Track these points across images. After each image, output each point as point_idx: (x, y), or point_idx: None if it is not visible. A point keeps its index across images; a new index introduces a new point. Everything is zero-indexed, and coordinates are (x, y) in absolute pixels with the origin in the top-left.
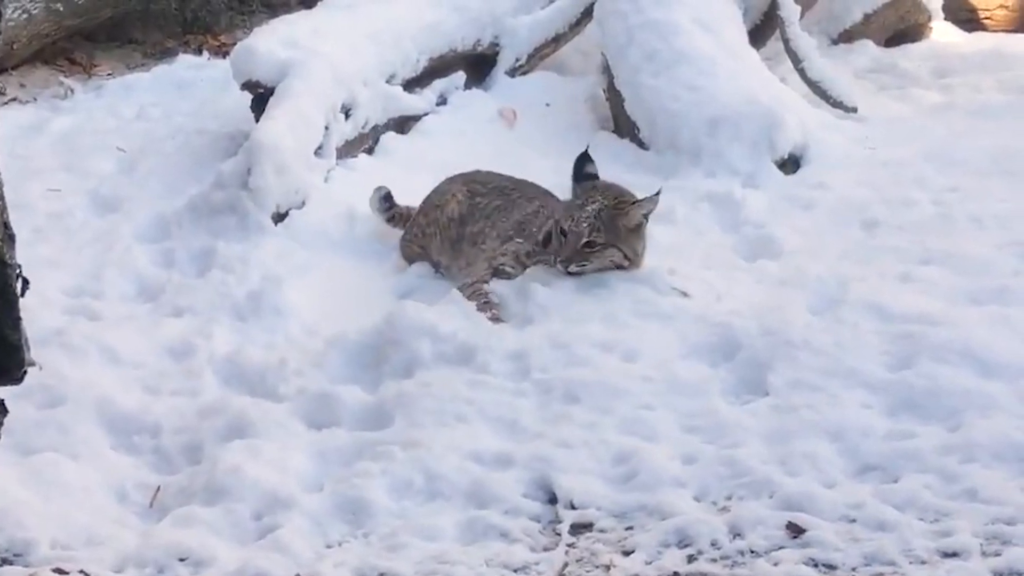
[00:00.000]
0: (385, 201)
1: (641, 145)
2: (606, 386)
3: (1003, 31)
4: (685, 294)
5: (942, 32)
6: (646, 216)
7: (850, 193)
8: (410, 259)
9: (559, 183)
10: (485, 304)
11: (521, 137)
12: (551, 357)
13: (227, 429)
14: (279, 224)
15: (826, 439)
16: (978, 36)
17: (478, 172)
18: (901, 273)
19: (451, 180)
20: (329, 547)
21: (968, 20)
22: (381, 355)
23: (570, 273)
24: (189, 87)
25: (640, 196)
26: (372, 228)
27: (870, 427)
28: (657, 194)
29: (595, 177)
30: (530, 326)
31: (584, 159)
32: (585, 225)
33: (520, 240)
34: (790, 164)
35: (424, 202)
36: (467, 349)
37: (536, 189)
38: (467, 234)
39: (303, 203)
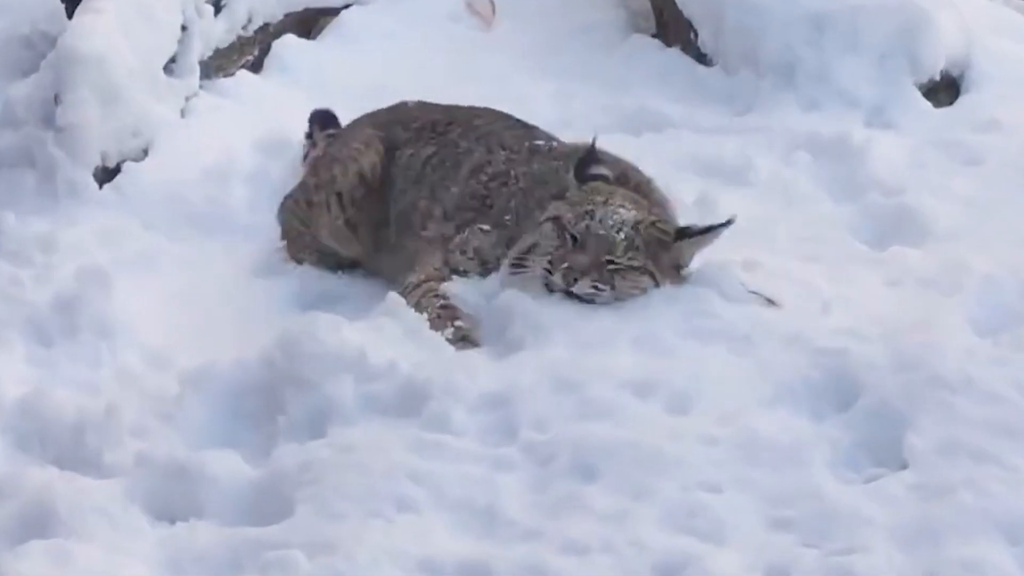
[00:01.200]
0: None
1: (700, 58)
2: (641, 452)
3: None
4: (770, 301)
5: None
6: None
7: None
8: (293, 243)
9: (562, 118)
10: (444, 315)
11: (503, 45)
12: (552, 405)
13: (19, 522)
14: (107, 186)
15: (1000, 539)
16: None
17: (401, 106)
18: None
19: (360, 121)
20: None
21: None
22: (273, 402)
23: (573, 295)
24: None
25: (689, 224)
26: (260, 192)
27: None
28: (725, 224)
29: (605, 179)
30: (518, 353)
31: (590, 159)
32: (619, 235)
33: (486, 227)
34: (944, 90)
35: (323, 154)
36: (414, 391)
37: (499, 123)
38: (393, 216)
39: (145, 151)
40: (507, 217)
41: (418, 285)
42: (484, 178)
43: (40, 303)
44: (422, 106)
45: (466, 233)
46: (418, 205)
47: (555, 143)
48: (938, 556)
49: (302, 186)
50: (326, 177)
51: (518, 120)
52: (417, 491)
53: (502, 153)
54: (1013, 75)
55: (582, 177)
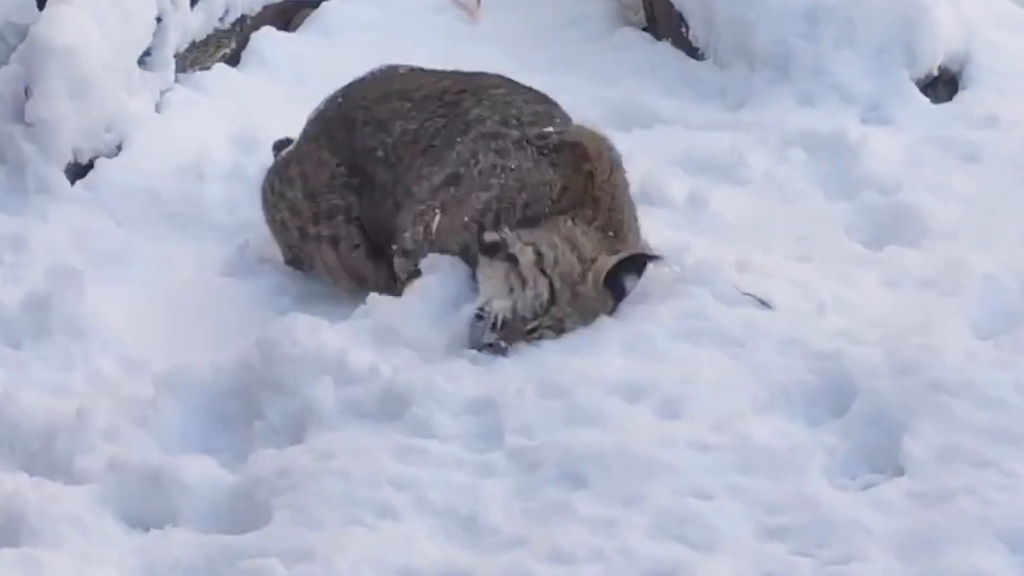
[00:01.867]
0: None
1: (691, 51)
2: (631, 458)
3: None
4: (764, 303)
5: None
6: None
7: None
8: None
9: None
10: None
11: (489, 37)
12: (538, 409)
13: None
14: (79, 182)
15: (1000, 547)
16: None
17: (391, 73)
18: None
19: (321, 125)
20: None
21: None
22: (251, 405)
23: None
24: None
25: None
26: (237, 189)
27: None
28: None
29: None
30: (504, 356)
31: (630, 268)
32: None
33: (444, 229)
34: (943, 85)
35: (297, 146)
36: (396, 395)
37: (519, 95)
38: (401, 196)
39: (119, 147)
40: (467, 217)
41: (410, 278)
42: (492, 145)
43: (10, 303)
44: (418, 72)
45: (428, 222)
46: (422, 172)
47: (565, 128)
48: (936, 564)
49: (293, 210)
50: (331, 205)
51: (537, 92)
52: (399, 497)
53: (515, 132)
54: (1013, 70)
55: (618, 291)
